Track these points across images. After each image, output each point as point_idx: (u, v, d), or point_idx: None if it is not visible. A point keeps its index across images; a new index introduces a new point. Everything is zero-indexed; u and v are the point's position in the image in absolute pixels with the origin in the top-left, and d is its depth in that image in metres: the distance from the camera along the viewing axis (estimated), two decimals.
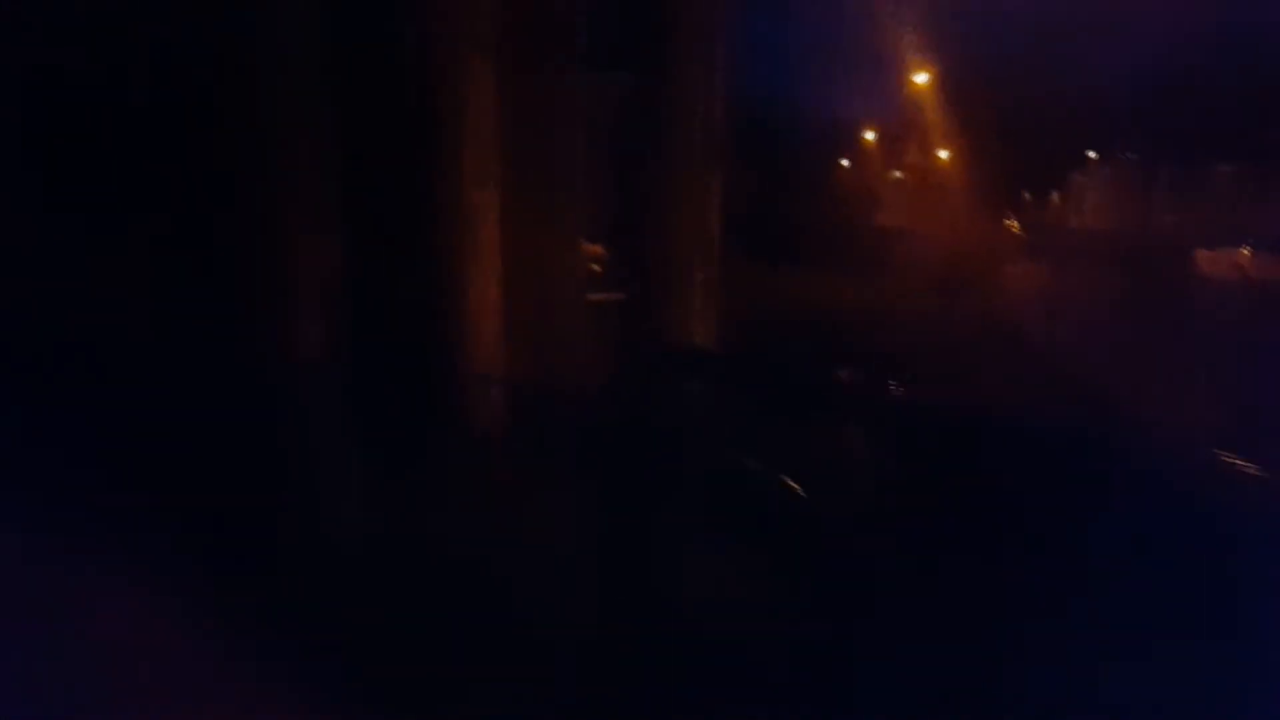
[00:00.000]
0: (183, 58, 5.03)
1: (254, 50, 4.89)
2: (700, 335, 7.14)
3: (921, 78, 21.22)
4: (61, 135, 5.09)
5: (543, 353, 6.24)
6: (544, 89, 6.27)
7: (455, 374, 5.97)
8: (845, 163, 23.29)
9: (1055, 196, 28.97)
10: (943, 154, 24.25)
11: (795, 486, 4.72)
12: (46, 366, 5.17)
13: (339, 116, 5.19)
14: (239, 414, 5.18)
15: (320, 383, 5.59)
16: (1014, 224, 23.87)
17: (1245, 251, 18.65)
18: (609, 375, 6.37)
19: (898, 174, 24.86)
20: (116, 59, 5.05)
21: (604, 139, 6.94)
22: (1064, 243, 21.75)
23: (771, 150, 14.94)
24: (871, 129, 23.48)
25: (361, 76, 5.40)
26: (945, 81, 21.97)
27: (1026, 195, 29.54)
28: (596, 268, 8.05)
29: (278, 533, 5.01)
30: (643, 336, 6.83)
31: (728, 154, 7.47)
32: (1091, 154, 28.39)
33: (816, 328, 9.29)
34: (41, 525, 4.58)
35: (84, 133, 5.08)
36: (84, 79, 4.97)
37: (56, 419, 5.03)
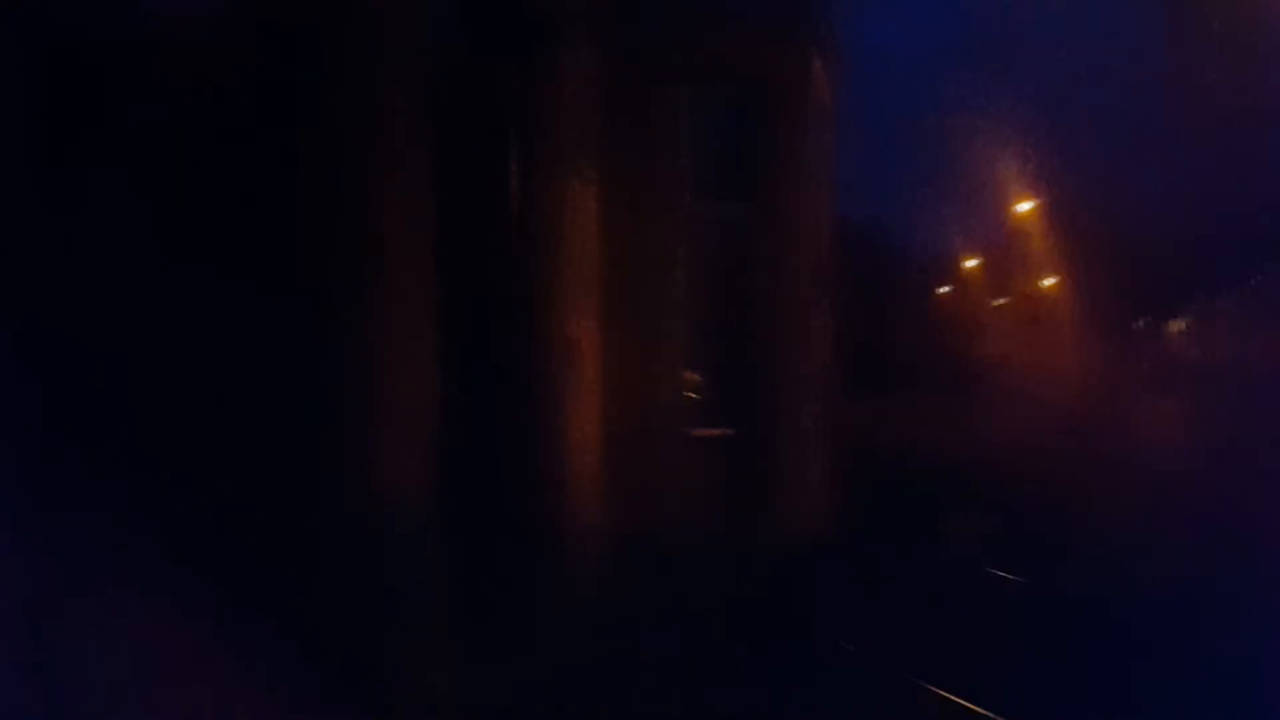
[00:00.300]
0: (288, 178, 4.94)
1: (356, 169, 4.77)
2: (813, 474, 6.64)
3: (1025, 205, 20.69)
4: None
5: (645, 494, 5.82)
6: (647, 218, 6.08)
7: (552, 516, 5.59)
8: (947, 290, 22.67)
9: (1172, 325, 27.58)
10: (1048, 281, 23.46)
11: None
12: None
13: (438, 242, 5.01)
14: (318, 548, 4.84)
15: (408, 519, 5.21)
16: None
17: None
18: (721, 530, 5.89)
19: (1001, 302, 24.10)
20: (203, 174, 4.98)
21: (705, 266, 6.69)
22: (1188, 374, 20.48)
23: (872, 279, 14.56)
24: (973, 256, 22.91)
25: (463, 203, 5.26)
26: (1051, 206, 21.39)
27: (1139, 324, 28.14)
28: (695, 395, 7.68)
29: (354, 686, 4.60)
30: (752, 478, 6.36)
31: (834, 283, 7.13)
32: (1211, 278, 26.98)
33: (934, 475, 8.59)
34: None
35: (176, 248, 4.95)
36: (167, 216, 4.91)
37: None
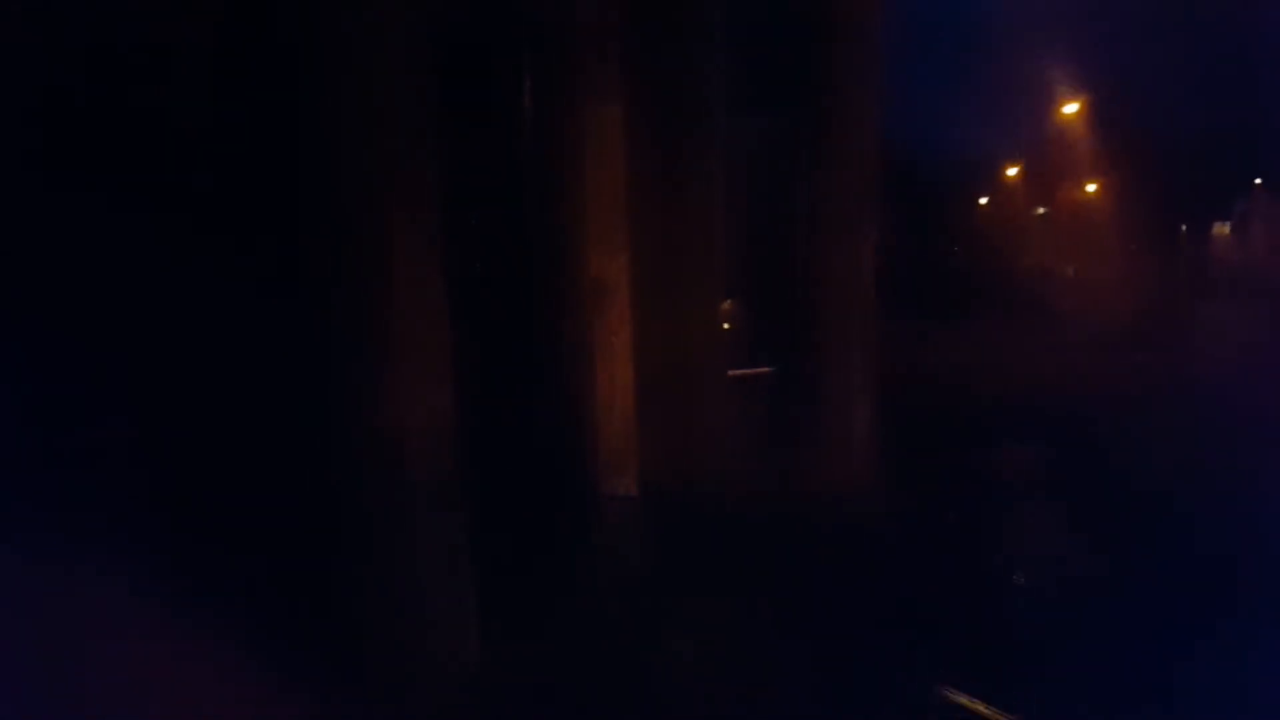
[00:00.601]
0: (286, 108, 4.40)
1: (353, 91, 4.18)
2: (861, 411, 6.15)
3: (1068, 109, 19.72)
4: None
5: (682, 441, 5.36)
6: (677, 139, 5.47)
7: (584, 467, 5.16)
8: (986, 201, 21.84)
9: (1218, 228, 26.70)
10: (1090, 188, 22.60)
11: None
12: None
13: (445, 174, 4.45)
14: (334, 512, 4.42)
15: (428, 477, 4.77)
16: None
17: None
18: (765, 474, 5.42)
19: (1042, 210, 23.25)
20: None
21: (739, 186, 6.12)
22: (1236, 280, 19.73)
23: (910, 191, 13.84)
24: (1014, 164, 21.97)
25: (471, 131, 4.69)
26: (1093, 112, 20.45)
27: (1183, 228, 27.37)
28: (733, 331, 7.16)
29: (371, 648, 4.23)
30: (797, 417, 5.89)
31: (880, 202, 6.53)
32: (1258, 180, 26.10)
33: (994, 404, 8.00)
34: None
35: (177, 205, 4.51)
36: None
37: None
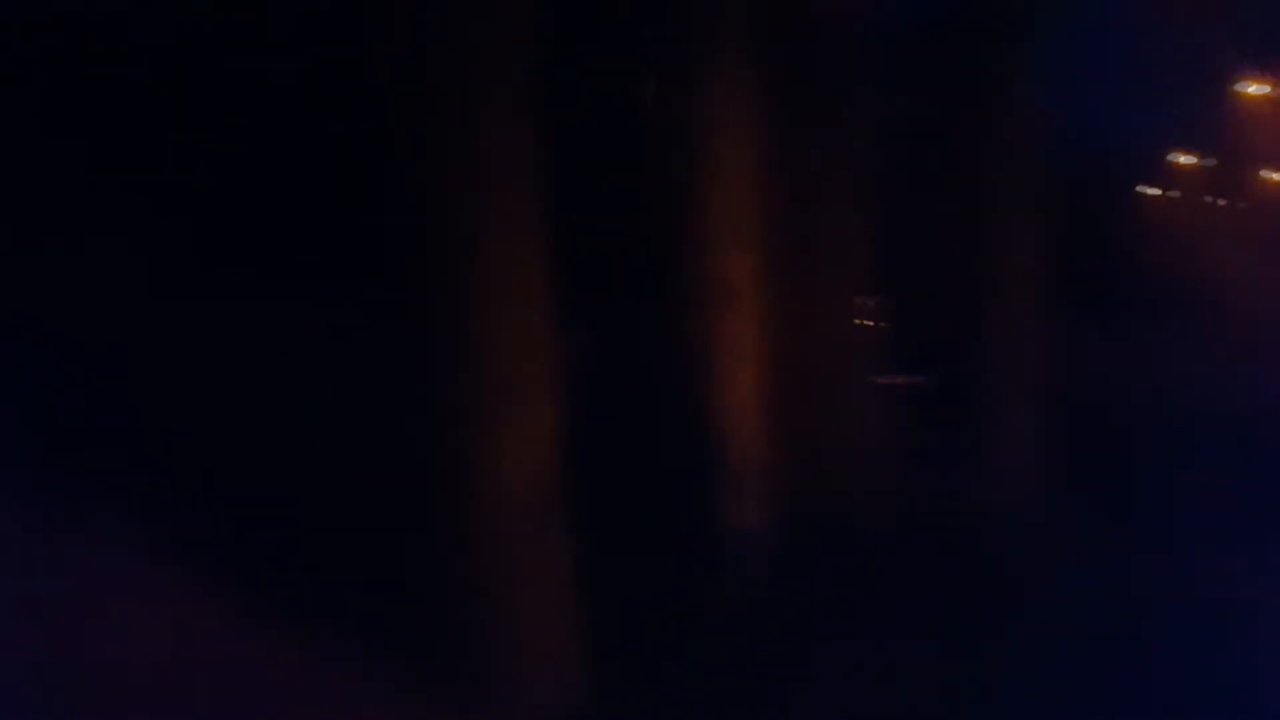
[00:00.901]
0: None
1: (454, 86, 3.94)
2: (1025, 427, 5.52)
3: (1260, 87, 17.97)
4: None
5: (821, 456, 4.89)
6: (815, 125, 5.03)
7: (711, 487, 4.76)
8: (1163, 193, 20.20)
9: None
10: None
11: None
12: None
13: (560, 172, 4.16)
14: (432, 534, 4.16)
15: (536, 496, 4.41)
16: None
17: None
18: (917, 498, 4.88)
19: (1231, 203, 21.33)
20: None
21: (889, 181, 5.62)
22: None
23: (1077, 184, 12.81)
24: (1194, 152, 20.22)
25: (587, 119, 4.40)
26: None
27: None
28: (880, 338, 6.59)
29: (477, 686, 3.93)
30: (952, 433, 5.32)
31: (1044, 195, 5.88)
32: None
33: (1168, 415, 7.12)
34: None
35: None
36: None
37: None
